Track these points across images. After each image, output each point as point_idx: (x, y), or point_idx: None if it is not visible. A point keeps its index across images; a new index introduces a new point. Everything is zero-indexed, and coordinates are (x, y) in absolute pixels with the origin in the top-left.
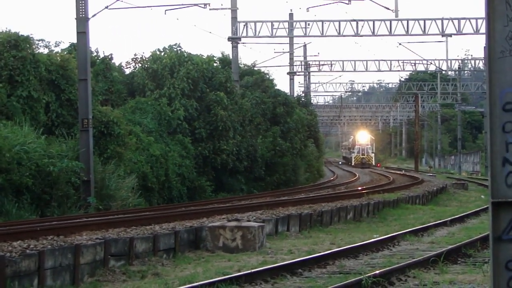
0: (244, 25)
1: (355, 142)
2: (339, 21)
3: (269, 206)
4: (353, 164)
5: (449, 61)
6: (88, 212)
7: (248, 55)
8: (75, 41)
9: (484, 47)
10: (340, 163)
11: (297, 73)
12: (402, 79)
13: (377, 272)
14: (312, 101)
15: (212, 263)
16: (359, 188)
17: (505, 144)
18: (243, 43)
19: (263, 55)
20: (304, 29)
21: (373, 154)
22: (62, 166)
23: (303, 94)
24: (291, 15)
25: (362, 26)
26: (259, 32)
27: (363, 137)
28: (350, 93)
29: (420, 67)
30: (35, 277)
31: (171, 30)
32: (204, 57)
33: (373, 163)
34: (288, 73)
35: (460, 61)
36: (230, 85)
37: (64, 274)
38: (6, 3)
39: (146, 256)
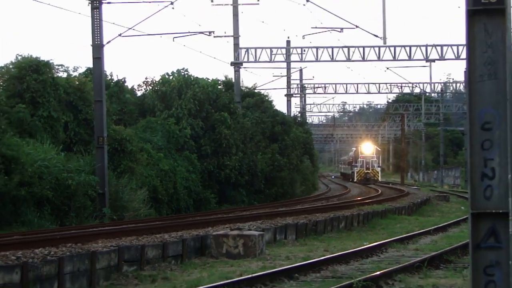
0: (245, 51)
1: (358, 154)
2: (332, 48)
3: (268, 217)
4: (355, 180)
5: (432, 84)
6: (103, 222)
7: (249, 78)
8: (91, 66)
9: (465, 71)
10: (333, 177)
11: (294, 95)
12: (390, 101)
13: (367, 276)
14: (307, 121)
15: (216, 268)
16: (358, 198)
17: (484, 160)
18: (244, 67)
19: (262, 79)
20: (300, 55)
21: (379, 169)
22: (80, 180)
23: (299, 114)
24: (288, 42)
25: (353, 52)
26: (259, 57)
27: (367, 148)
28: (342, 113)
29: (406, 90)
30: (55, 281)
31: (179, 55)
32: (209, 81)
33: (379, 179)
34: (285, 95)
35: (442, 84)
36: (233, 106)
37: (82, 279)
38: (29, 31)
39: (156, 262)
